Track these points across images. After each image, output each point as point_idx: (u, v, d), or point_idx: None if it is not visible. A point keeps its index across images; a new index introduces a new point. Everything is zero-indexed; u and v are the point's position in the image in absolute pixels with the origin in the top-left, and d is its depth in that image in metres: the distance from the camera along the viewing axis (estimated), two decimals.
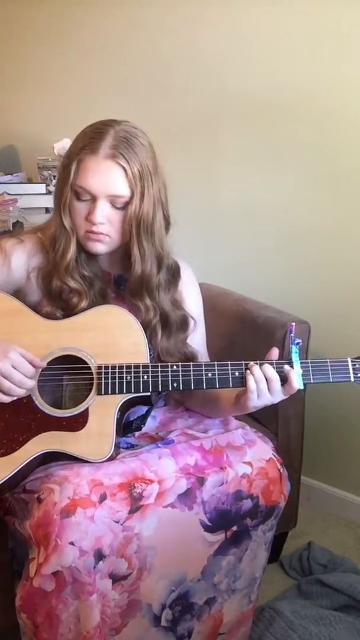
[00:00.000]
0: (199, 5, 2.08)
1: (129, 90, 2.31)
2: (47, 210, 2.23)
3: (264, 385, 1.21)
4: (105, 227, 1.26)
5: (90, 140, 1.23)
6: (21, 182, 2.40)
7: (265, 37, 1.97)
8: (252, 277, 2.12)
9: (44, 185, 2.25)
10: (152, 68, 2.24)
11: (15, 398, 1.21)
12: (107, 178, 1.23)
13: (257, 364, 1.22)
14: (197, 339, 1.43)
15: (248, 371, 1.21)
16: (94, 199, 1.24)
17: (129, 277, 1.33)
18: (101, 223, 1.25)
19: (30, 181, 2.42)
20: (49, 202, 2.23)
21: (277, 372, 1.21)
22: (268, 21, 1.95)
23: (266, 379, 1.21)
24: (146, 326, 1.31)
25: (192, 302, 1.43)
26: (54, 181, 2.24)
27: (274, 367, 1.22)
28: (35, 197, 2.22)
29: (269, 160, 2.05)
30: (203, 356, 1.45)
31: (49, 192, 2.24)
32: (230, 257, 2.19)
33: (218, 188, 2.18)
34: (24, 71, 2.61)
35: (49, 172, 2.25)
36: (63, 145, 2.23)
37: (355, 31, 1.80)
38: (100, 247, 1.29)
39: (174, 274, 1.38)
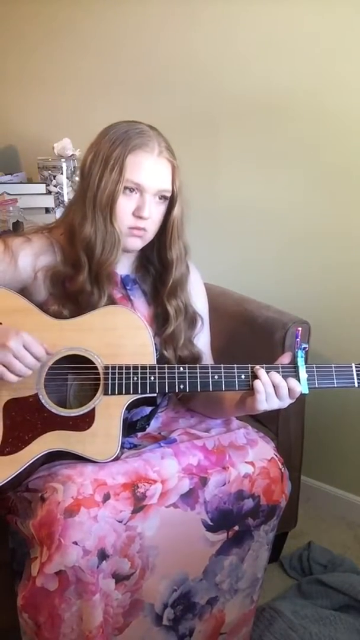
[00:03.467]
0: (199, 5, 2.09)
1: (129, 91, 2.31)
2: (47, 210, 2.23)
3: (271, 389, 1.21)
4: (148, 222, 1.29)
5: (139, 139, 1.27)
6: (21, 182, 2.40)
7: (264, 37, 1.97)
8: (252, 277, 2.13)
9: (44, 185, 2.25)
10: (151, 68, 2.24)
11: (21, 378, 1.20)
12: (162, 173, 1.28)
13: (263, 367, 1.22)
14: (202, 341, 1.44)
15: (254, 374, 1.22)
16: (142, 194, 1.27)
17: (138, 278, 1.37)
18: (149, 217, 1.28)
19: (30, 181, 2.42)
20: (49, 202, 2.23)
21: (283, 376, 1.22)
22: (267, 21, 1.95)
23: (273, 385, 1.21)
24: (176, 329, 1.35)
25: (200, 304, 1.45)
26: (54, 181, 2.24)
27: (279, 372, 1.22)
28: (35, 197, 2.23)
29: (268, 160, 2.05)
30: (207, 359, 1.46)
31: (49, 192, 2.25)
32: (230, 257, 2.19)
33: (218, 188, 2.18)
34: (24, 71, 2.61)
35: (49, 172, 2.25)
36: (63, 145, 2.23)
37: (353, 31, 1.81)
38: (139, 243, 1.32)
39: (187, 273, 1.41)
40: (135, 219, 1.28)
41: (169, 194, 1.30)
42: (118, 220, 1.28)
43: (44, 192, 2.25)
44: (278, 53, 1.96)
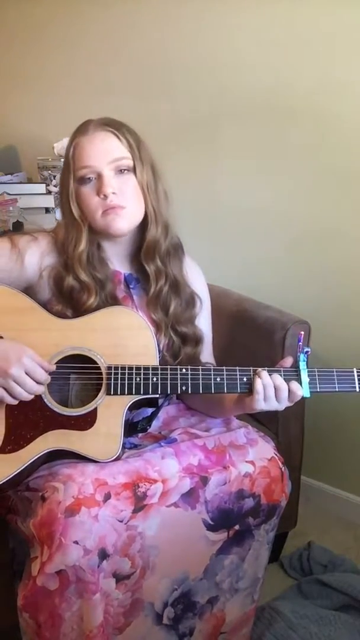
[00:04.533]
0: (199, 5, 2.09)
1: (129, 91, 2.31)
2: (47, 210, 2.23)
3: (271, 391, 1.21)
4: (118, 197, 1.28)
5: (78, 130, 1.32)
6: (21, 182, 2.40)
7: (265, 38, 1.97)
8: (252, 277, 2.13)
9: (44, 185, 2.25)
10: (152, 68, 2.24)
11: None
12: (103, 144, 1.28)
13: (264, 370, 1.22)
14: (203, 324, 1.44)
15: (256, 375, 1.22)
16: (99, 176, 1.27)
17: (137, 273, 1.37)
18: (113, 192, 1.27)
19: (30, 181, 2.42)
20: (49, 202, 2.23)
21: (285, 379, 1.22)
22: (268, 21, 1.95)
23: (275, 387, 1.21)
24: (159, 293, 1.35)
25: (200, 288, 1.45)
26: (54, 181, 2.24)
27: (281, 375, 1.22)
28: (35, 197, 2.23)
29: (269, 160, 2.05)
30: (208, 344, 1.46)
31: (49, 192, 2.24)
32: (230, 257, 2.19)
33: (218, 188, 2.18)
34: (25, 71, 2.61)
35: (49, 172, 2.25)
36: (63, 145, 2.23)
37: (355, 32, 1.81)
38: (121, 223, 1.30)
39: (177, 249, 1.41)
40: (102, 201, 1.28)
41: (126, 162, 1.29)
42: (90, 210, 1.29)
43: (44, 192, 2.25)
44: (278, 54, 1.96)
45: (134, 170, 1.30)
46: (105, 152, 1.28)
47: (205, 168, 2.18)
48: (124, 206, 1.29)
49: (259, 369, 1.22)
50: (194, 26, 2.12)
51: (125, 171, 1.29)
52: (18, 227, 2.06)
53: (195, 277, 1.46)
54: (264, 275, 2.12)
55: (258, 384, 1.20)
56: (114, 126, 1.30)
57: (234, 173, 2.14)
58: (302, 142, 1.97)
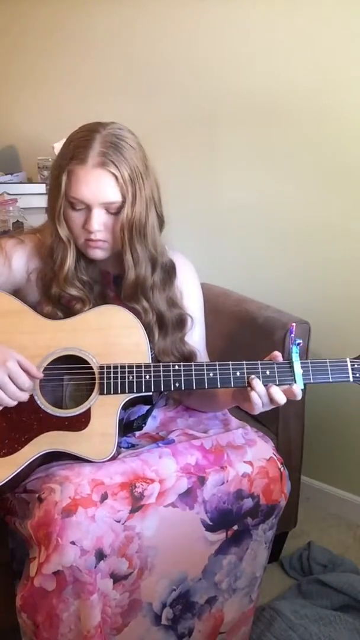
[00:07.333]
0: (199, 5, 2.09)
1: (129, 90, 2.31)
2: (47, 210, 2.23)
3: (266, 399, 1.22)
4: (103, 233, 1.27)
5: (77, 149, 1.23)
6: (21, 182, 2.40)
7: (265, 37, 1.97)
8: (252, 277, 2.13)
9: (44, 185, 2.25)
10: (151, 68, 2.24)
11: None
12: (99, 187, 1.23)
13: (258, 367, 1.22)
14: (195, 337, 1.43)
15: (250, 387, 1.21)
16: (88, 207, 1.25)
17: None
18: (98, 230, 1.26)
19: (30, 181, 2.43)
20: None
21: (279, 384, 1.22)
22: (267, 21, 1.95)
23: (269, 395, 1.22)
24: (145, 327, 1.32)
25: (191, 300, 1.43)
26: None
27: (275, 370, 1.22)
28: (35, 197, 2.22)
29: (268, 159, 2.05)
30: (202, 355, 1.45)
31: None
32: (230, 257, 2.19)
33: (218, 188, 2.18)
34: (25, 71, 2.62)
35: (49, 172, 2.25)
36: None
37: (354, 30, 1.80)
38: (100, 254, 1.31)
39: (169, 272, 1.38)
40: (85, 232, 1.27)
41: (118, 204, 1.25)
42: (74, 233, 1.28)
43: (44, 192, 2.24)
44: (278, 53, 1.95)
45: (123, 208, 1.25)
46: (99, 193, 1.23)
47: (205, 168, 2.18)
48: (106, 241, 1.28)
49: (252, 376, 1.21)
50: (194, 26, 2.12)
51: (115, 212, 1.26)
52: (18, 227, 2.06)
53: (188, 291, 1.43)
54: (264, 275, 2.12)
55: (254, 397, 1.21)
56: (116, 161, 1.21)
57: (234, 173, 2.14)
58: (302, 141, 1.97)
